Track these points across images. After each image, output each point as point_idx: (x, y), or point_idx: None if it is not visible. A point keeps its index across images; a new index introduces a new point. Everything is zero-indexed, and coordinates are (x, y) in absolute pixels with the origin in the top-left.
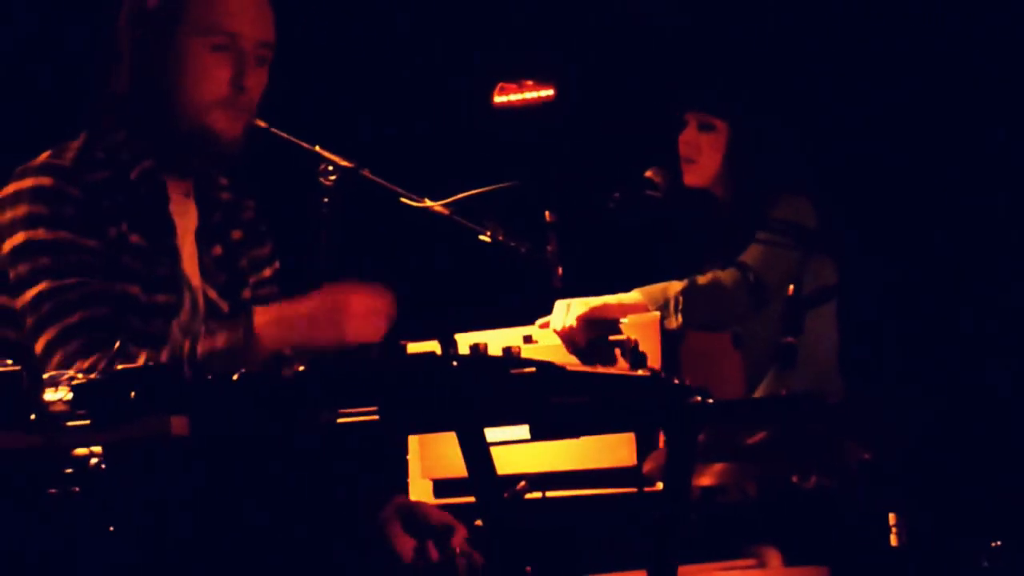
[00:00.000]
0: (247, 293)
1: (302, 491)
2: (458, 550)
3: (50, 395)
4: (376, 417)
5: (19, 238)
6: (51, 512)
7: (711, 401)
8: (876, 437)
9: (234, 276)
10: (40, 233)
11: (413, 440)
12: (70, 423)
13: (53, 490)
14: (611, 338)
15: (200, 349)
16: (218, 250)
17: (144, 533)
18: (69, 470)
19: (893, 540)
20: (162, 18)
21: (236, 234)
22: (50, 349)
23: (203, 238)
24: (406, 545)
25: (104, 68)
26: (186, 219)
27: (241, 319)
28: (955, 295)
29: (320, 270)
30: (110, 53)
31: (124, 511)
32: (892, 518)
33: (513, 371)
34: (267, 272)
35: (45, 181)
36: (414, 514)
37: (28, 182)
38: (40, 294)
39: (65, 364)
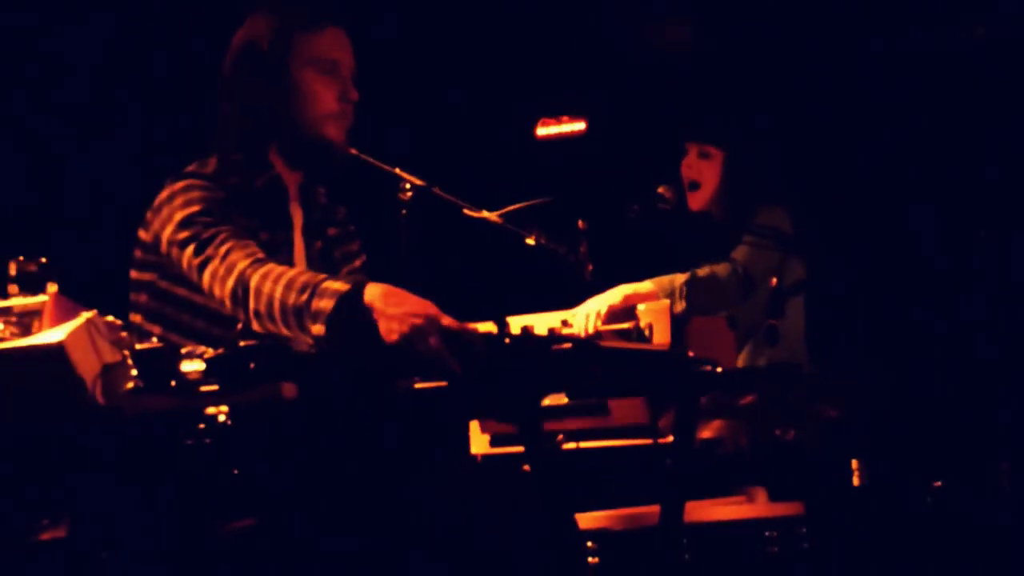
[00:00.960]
0: None
1: (385, 442)
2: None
3: (187, 366)
4: (445, 383)
5: (178, 217)
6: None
7: (720, 370)
8: (842, 399)
9: (330, 266)
10: (195, 208)
11: None
12: (203, 388)
13: (189, 441)
14: (618, 327)
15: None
16: (319, 244)
17: (261, 476)
18: (202, 426)
19: (855, 481)
20: (275, 55)
21: (332, 231)
22: (216, 271)
23: (308, 234)
24: (392, 327)
25: (220, 102)
26: (295, 218)
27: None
28: (904, 289)
29: (400, 268)
30: (224, 90)
31: (246, 458)
32: (854, 463)
33: (555, 347)
34: (357, 263)
35: (196, 182)
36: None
37: (180, 184)
38: (201, 240)
39: (236, 283)
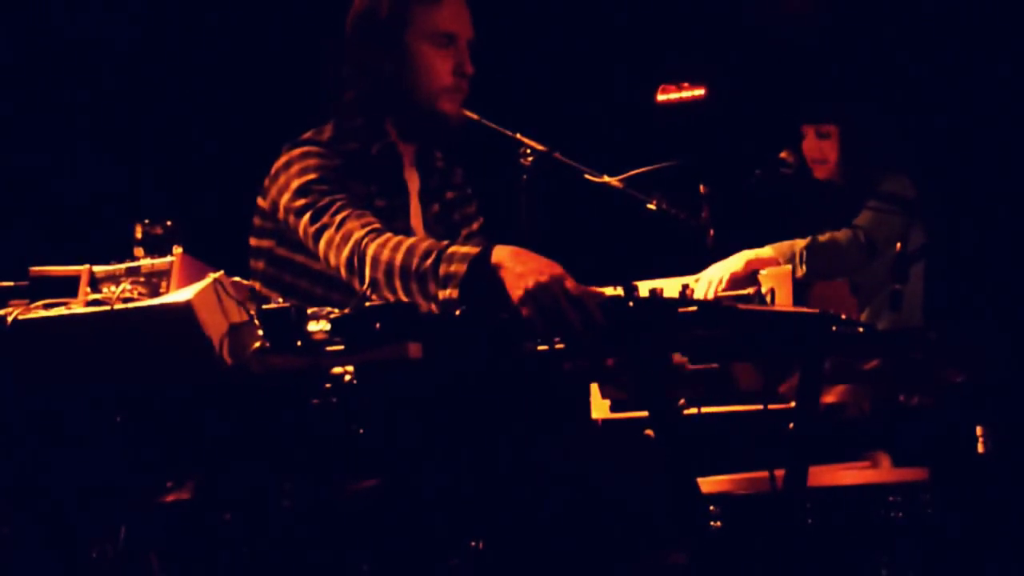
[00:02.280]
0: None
1: (508, 403)
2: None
3: (313, 326)
4: (563, 346)
5: (295, 184)
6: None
7: (862, 330)
8: (967, 364)
9: (449, 229)
10: (312, 176)
11: None
12: (329, 348)
13: (316, 400)
14: (737, 292)
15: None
16: (436, 208)
17: (385, 434)
18: (328, 385)
19: (980, 447)
20: (392, 25)
21: (449, 194)
22: (330, 239)
23: (424, 198)
24: (518, 287)
25: (337, 69)
26: (411, 183)
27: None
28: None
29: (520, 233)
30: (343, 57)
31: (371, 418)
32: (979, 430)
33: (680, 309)
34: (475, 226)
35: (312, 149)
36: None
37: (297, 151)
38: (317, 208)
39: (350, 251)
